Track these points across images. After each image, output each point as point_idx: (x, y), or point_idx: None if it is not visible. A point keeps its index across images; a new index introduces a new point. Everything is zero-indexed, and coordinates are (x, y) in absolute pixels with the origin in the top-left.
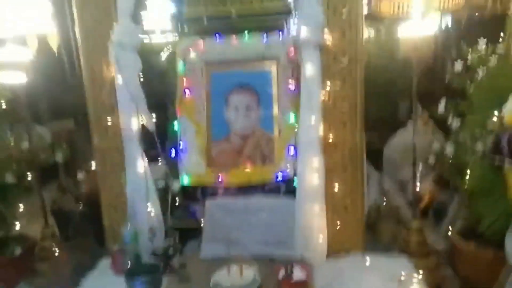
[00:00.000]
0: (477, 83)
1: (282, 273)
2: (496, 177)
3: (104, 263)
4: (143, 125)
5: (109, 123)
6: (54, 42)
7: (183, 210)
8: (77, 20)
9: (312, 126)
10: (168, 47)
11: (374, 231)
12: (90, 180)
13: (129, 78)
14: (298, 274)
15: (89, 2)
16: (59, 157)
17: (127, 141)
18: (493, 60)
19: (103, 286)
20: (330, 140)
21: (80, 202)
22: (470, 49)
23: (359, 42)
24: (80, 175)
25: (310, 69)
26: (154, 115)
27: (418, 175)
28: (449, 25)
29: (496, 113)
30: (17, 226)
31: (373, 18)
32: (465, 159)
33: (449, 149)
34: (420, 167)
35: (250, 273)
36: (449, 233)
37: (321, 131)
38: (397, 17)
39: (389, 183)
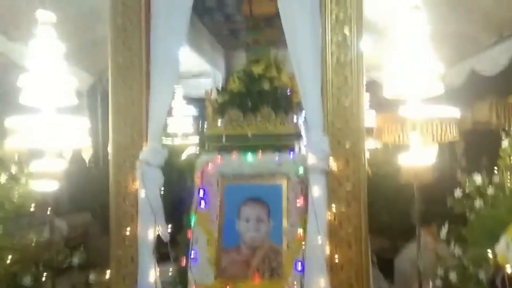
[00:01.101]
0: (476, 211)
1: None
2: None
3: None
4: (158, 235)
5: (128, 233)
6: (86, 155)
7: None
8: (111, 138)
9: (319, 245)
10: (188, 153)
11: None
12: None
13: (151, 191)
14: None
15: (124, 124)
16: (76, 260)
17: (142, 250)
18: (489, 191)
19: None
20: (337, 260)
21: None
22: (467, 179)
23: (362, 169)
24: (92, 277)
25: (317, 191)
26: (170, 225)
27: None
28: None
29: (490, 251)
30: None
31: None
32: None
33: (453, 276)
34: (430, 284)
35: None
36: None
37: (327, 251)
38: (399, 145)
39: None
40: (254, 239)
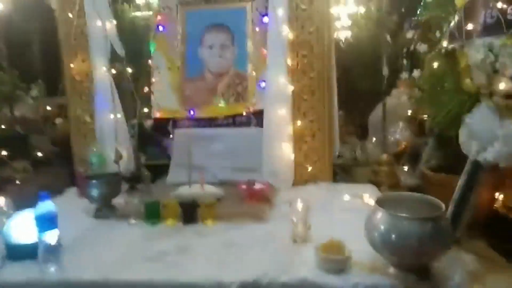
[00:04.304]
0: None
1: (244, 186)
2: (450, 68)
3: (72, 190)
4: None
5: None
6: None
7: (155, 146)
8: None
9: (279, 51)
10: None
11: (348, 174)
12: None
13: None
14: (259, 186)
15: None
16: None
17: (96, 66)
18: None
19: (65, 206)
20: (298, 66)
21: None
22: None
23: None
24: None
25: None
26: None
27: (397, 130)
28: None
29: None
30: None
31: None
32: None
33: (416, 74)
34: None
35: (211, 188)
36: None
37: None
38: None
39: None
40: (218, 66)
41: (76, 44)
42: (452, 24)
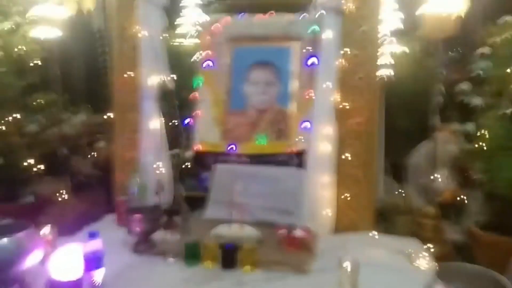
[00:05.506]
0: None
1: (283, 231)
2: None
3: (111, 217)
4: (163, 85)
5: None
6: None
7: (194, 178)
8: None
9: (327, 91)
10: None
11: (389, 223)
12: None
13: (154, 34)
14: (299, 233)
15: None
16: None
17: (145, 97)
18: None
19: (104, 235)
20: (347, 107)
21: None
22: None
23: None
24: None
25: (329, 34)
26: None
27: (441, 177)
28: None
29: None
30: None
31: None
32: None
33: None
34: (443, 171)
35: (250, 229)
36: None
37: (336, 97)
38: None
39: (412, 188)
40: (262, 102)
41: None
42: None
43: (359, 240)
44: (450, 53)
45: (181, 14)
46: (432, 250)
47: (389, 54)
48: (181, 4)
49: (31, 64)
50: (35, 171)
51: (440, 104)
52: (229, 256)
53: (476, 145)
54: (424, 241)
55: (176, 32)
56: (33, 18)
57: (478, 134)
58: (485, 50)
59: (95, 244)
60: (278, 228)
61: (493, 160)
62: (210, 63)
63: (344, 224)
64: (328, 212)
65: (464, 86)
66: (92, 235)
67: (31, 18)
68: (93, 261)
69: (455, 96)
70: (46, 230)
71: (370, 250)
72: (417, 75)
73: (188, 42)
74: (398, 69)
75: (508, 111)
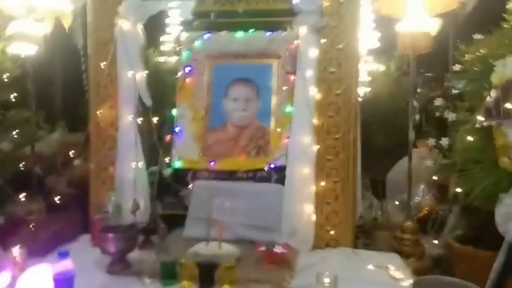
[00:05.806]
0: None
1: (263, 248)
2: (485, 144)
3: (86, 237)
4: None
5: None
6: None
7: (173, 195)
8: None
9: (305, 107)
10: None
11: (369, 238)
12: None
13: (131, 50)
14: (279, 249)
15: None
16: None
17: (123, 114)
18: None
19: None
20: (323, 126)
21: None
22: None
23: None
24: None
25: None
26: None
27: (419, 192)
28: None
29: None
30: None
31: None
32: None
33: (445, 142)
34: (421, 186)
35: (229, 247)
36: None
37: (314, 117)
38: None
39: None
40: (242, 118)
41: (105, 92)
42: (488, 99)
43: (338, 255)
44: (422, 71)
45: (165, 32)
46: (411, 264)
47: (366, 72)
48: (165, 22)
49: (6, 80)
50: (7, 191)
51: (417, 121)
52: (207, 275)
53: (452, 160)
54: (404, 256)
55: (160, 49)
56: (11, 34)
57: (453, 149)
58: (458, 68)
59: (66, 264)
60: (257, 245)
61: (468, 174)
62: (190, 79)
63: (324, 240)
64: (307, 228)
65: (439, 102)
66: (62, 255)
67: (8, 34)
68: (63, 282)
69: (431, 113)
70: (15, 251)
71: (350, 266)
72: (394, 93)
73: (170, 60)
74: (375, 87)
75: (480, 126)
